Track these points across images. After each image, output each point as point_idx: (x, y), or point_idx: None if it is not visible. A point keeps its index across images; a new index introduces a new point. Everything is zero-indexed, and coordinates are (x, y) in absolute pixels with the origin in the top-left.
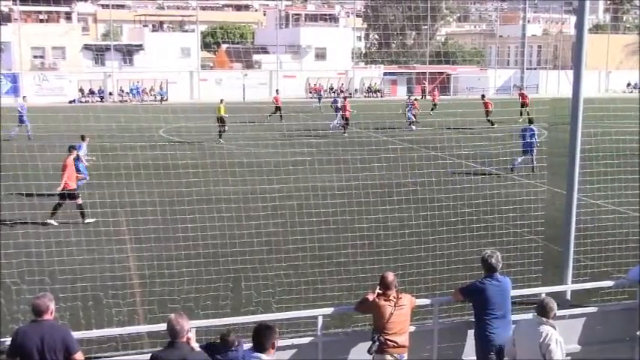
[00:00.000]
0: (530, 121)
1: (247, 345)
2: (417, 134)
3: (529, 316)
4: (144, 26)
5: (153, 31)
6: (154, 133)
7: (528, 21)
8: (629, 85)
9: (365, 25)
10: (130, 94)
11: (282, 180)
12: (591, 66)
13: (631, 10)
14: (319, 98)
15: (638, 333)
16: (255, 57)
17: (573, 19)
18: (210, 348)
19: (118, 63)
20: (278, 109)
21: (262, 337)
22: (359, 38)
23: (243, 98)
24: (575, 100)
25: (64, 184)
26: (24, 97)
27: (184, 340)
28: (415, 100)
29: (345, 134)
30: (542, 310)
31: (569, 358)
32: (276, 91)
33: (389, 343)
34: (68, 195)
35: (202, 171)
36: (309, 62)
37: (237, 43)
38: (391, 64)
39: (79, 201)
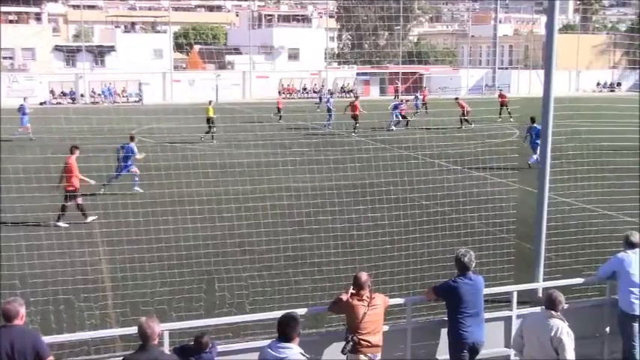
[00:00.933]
0: (533, 120)
1: (220, 347)
2: (390, 134)
3: (523, 311)
4: (115, 27)
5: (125, 32)
6: (127, 134)
7: (500, 21)
8: (598, 84)
9: (338, 26)
10: (102, 96)
11: (255, 181)
12: (561, 66)
13: (600, 10)
14: (320, 98)
15: (607, 329)
16: (228, 58)
17: (544, 19)
18: (184, 350)
19: (89, 64)
20: (278, 109)
21: (287, 327)
22: (332, 39)
23: (217, 99)
24: (545, 100)
25: (68, 184)
26: (25, 98)
27: (156, 343)
28: (406, 101)
29: (354, 134)
30: (551, 304)
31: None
32: (279, 92)
33: (363, 342)
34: (70, 195)
35: (175, 172)
36: (282, 63)
37: (210, 43)
38: (364, 64)
39: (79, 200)
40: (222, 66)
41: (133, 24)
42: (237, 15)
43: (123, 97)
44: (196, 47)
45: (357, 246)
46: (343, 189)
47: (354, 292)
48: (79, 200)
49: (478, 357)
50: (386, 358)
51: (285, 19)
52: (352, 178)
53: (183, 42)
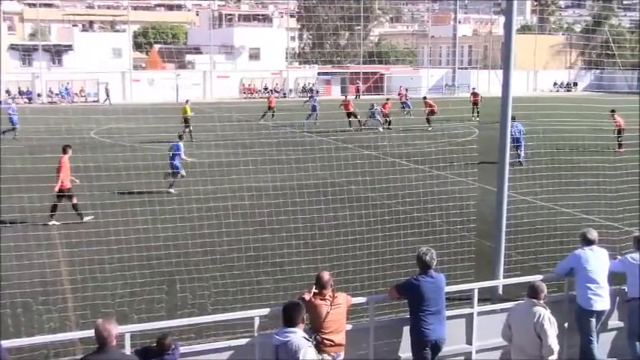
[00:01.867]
0: (513, 118)
1: (183, 348)
2: (350, 134)
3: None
4: (73, 26)
5: (83, 30)
6: (85, 135)
7: (459, 22)
8: (555, 84)
9: (299, 26)
10: (60, 96)
11: (216, 181)
12: (520, 66)
13: (556, 11)
14: (311, 97)
15: (565, 325)
16: (189, 57)
17: (502, 19)
18: (146, 352)
19: (46, 64)
20: (270, 108)
21: (292, 312)
22: (293, 38)
23: (177, 99)
24: (504, 99)
25: (60, 184)
26: (13, 97)
27: (114, 344)
28: (387, 100)
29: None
30: (534, 293)
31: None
32: (270, 91)
33: (326, 342)
34: (64, 195)
35: (135, 173)
36: (243, 62)
37: (170, 43)
38: (325, 64)
39: (74, 200)
40: (182, 65)
41: (91, 23)
42: (197, 14)
43: (81, 96)
44: (156, 46)
45: (319, 245)
46: (305, 188)
47: (316, 291)
48: (74, 200)
49: (440, 354)
50: (349, 357)
51: (246, 18)
52: (314, 177)
53: (142, 41)
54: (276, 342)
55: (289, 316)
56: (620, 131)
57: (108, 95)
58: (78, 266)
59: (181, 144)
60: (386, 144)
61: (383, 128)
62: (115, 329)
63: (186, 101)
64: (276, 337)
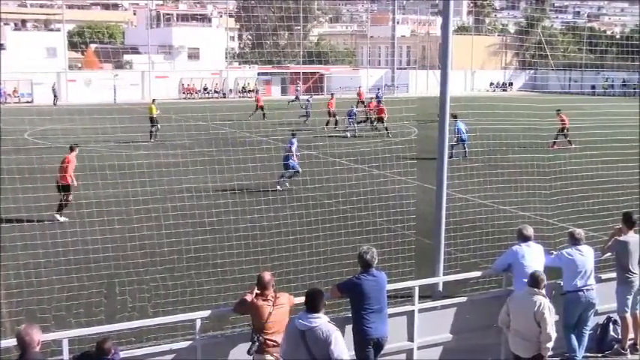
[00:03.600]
0: (455, 116)
1: (123, 353)
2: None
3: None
4: (5, 24)
5: (15, 29)
6: (19, 136)
7: (397, 22)
8: (491, 84)
9: (238, 26)
10: None
11: (155, 182)
12: (457, 66)
13: (491, 13)
14: (297, 97)
15: None
16: (126, 57)
17: (439, 20)
18: (85, 357)
19: None
20: (259, 107)
21: (315, 299)
22: (232, 38)
23: (115, 99)
24: (442, 99)
25: (62, 178)
26: None
27: (37, 350)
28: (372, 99)
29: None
30: (535, 282)
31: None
32: (257, 91)
33: (269, 342)
34: (63, 188)
35: (72, 174)
36: (182, 62)
37: (107, 42)
38: (265, 64)
39: (70, 199)
40: (119, 66)
41: (24, 21)
42: (134, 14)
43: (14, 97)
44: (92, 46)
45: (260, 245)
46: (245, 189)
47: (258, 292)
48: (70, 197)
49: (382, 352)
50: None
51: (185, 18)
52: (254, 177)
53: (78, 41)
54: (301, 327)
55: (313, 301)
56: (564, 129)
57: (55, 95)
58: (12, 271)
59: (295, 140)
60: (326, 144)
61: (350, 134)
62: (37, 335)
63: (153, 100)
64: (300, 322)
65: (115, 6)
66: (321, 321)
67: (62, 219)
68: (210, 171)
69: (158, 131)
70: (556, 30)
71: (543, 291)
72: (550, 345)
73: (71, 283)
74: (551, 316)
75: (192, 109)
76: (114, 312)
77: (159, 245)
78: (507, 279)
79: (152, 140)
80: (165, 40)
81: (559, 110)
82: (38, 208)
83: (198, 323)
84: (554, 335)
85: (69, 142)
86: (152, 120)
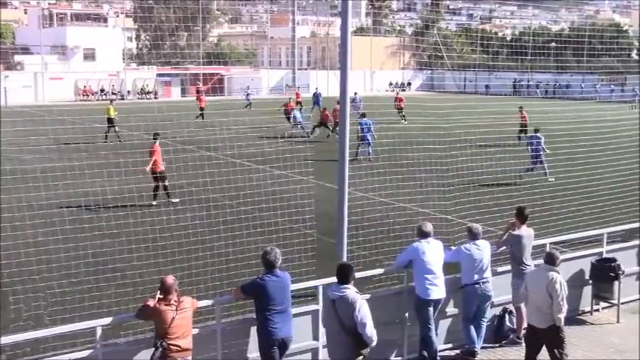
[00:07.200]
0: (364, 115)
1: None
2: (189, 135)
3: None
4: None
5: None
6: None
7: (297, 23)
8: (390, 84)
9: (135, 26)
10: None
11: (50, 187)
12: (356, 66)
13: (389, 15)
14: (247, 95)
15: (406, 315)
16: (17, 58)
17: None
18: None
19: None
20: (201, 109)
21: (345, 272)
22: (130, 39)
23: (5, 102)
24: (342, 99)
25: (153, 167)
26: None
27: None
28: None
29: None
30: (551, 259)
31: None
32: (197, 91)
33: (172, 347)
34: (159, 176)
35: None
36: (78, 63)
37: None
38: (164, 65)
39: (167, 182)
40: (10, 67)
41: None
42: (25, 12)
43: None
44: None
45: (161, 249)
46: (144, 191)
47: (161, 296)
48: (166, 182)
49: (288, 351)
50: None
51: (79, 17)
52: (153, 180)
53: None
54: (332, 296)
55: (344, 273)
56: (524, 125)
57: None
58: None
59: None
60: (226, 144)
61: (309, 134)
62: None
63: (111, 101)
64: (333, 292)
65: (4, 4)
66: (350, 291)
67: (155, 203)
68: (108, 174)
69: (116, 132)
70: (451, 32)
71: (558, 268)
72: (562, 316)
73: None
74: (562, 290)
75: (90, 112)
76: (8, 322)
77: (54, 251)
78: (408, 275)
79: (108, 141)
80: (59, 40)
81: (521, 108)
82: None
83: (99, 331)
84: (565, 307)
85: None
86: (110, 121)
